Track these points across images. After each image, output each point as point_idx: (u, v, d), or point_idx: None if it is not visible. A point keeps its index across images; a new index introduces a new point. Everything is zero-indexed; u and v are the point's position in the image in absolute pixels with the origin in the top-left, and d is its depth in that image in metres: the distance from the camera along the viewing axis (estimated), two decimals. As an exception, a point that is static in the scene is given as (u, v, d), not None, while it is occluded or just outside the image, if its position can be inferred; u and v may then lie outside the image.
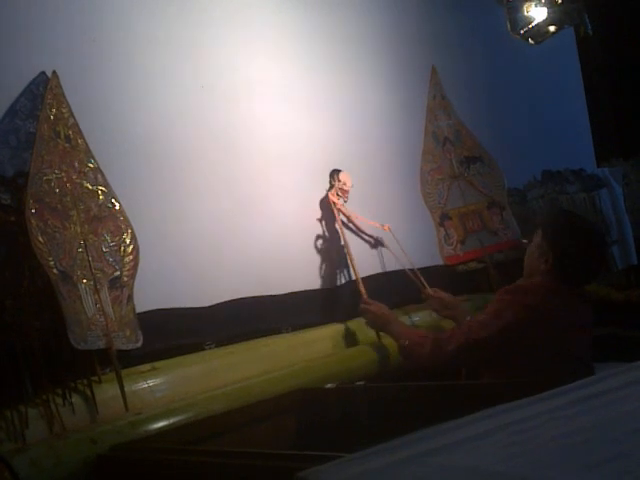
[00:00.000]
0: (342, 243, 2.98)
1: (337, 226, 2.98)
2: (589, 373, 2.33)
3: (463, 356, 2.36)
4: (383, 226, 3.08)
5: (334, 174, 3.04)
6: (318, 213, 3.03)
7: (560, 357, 2.30)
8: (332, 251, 3.01)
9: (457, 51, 3.88)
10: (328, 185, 3.05)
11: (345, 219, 3.05)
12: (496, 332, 2.31)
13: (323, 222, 3.04)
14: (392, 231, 3.08)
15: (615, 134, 4.94)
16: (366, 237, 3.15)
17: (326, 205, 3.02)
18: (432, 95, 3.60)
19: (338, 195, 3.01)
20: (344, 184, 3.02)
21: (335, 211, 2.98)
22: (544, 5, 3.97)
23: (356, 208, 3.11)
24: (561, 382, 1.52)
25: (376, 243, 3.16)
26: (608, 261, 2.63)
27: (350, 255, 2.94)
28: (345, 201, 3.03)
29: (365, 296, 2.82)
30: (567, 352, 2.34)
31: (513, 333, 2.30)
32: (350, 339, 2.85)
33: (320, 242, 3.01)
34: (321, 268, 2.98)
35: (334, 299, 2.97)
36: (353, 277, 2.94)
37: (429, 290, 2.95)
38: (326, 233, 3.03)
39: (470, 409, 1.33)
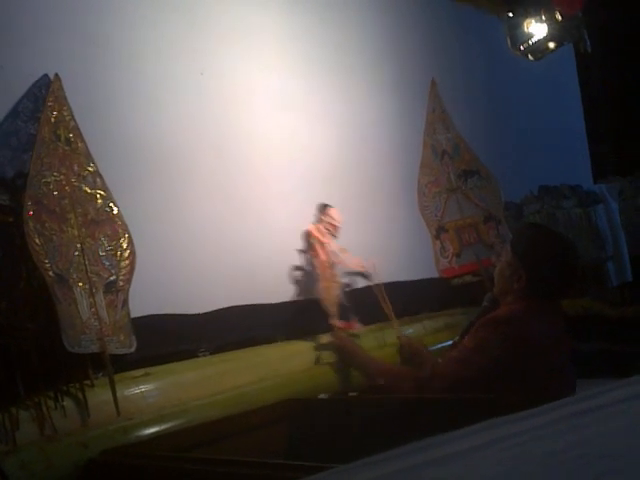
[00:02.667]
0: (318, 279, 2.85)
1: (315, 262, 2.86)
2: (571, 385, 2.34)
3: (447, 393, 2.25)
4: (363, 267, 2.91)
5: (323, 209, 2.93)
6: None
7: (545, 374, 2.29)
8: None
9: (457, 65, 3.91)
10: (316, 218, 2.93)
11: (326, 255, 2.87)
12: (481, 369, 2.23)
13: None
14: (375, 267, 2.91)
15: (612, 151, 4.97)
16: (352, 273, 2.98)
17: (308, 239, 2.91)
18: (431, 108, 3.61)
19: (327, 230, 2.90)
20: (332, 219, 2.92)
21: (317, 247, 2.85)
22: (544, 22, 4.01)
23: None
24: (550, 397, 1.52)
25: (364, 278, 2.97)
26: (582, 273, 2.54)
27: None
28: (335, 237, 2.92)
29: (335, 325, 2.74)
30: (551, 369, 2.32)
31: (499, 366, 2.22)
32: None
33: (299, 274, 2.92)
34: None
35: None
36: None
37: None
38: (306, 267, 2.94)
39: (463, 423, 1.33)
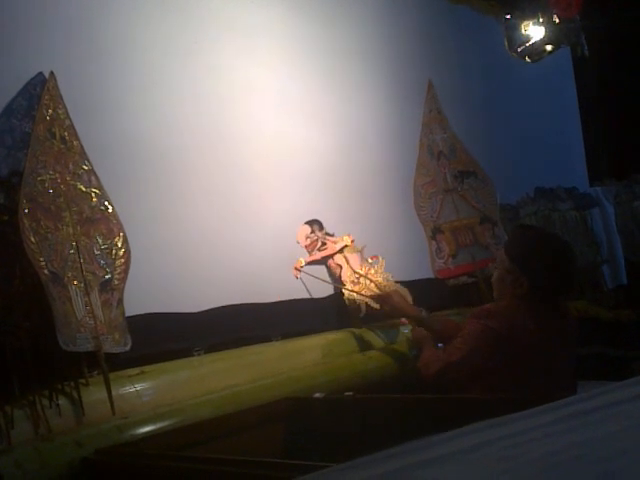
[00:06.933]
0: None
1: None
2: (570, 388, 2.34)
3: (442, 378, 2.40)
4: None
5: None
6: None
7: (536, 374, 2.29)
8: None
9: (454, 67, 3.91)
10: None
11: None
12: (465, 356, 2.34)
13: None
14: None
15: (608, 154, 4.98)
16: None
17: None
18: (428, 109, 3.61)
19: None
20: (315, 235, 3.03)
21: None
22: (542, 24, 4.01)
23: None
24: (545, 398, 1.52)
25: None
26: (576, 270, 2.58)
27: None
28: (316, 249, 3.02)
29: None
30: (543, 369, 2.33)
31: (479, 357, 2.32)
32: (339, 349, 2.84)
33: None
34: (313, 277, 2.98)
35: (325, 308, 2.97)
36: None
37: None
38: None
39: (459, 422, 1.33)
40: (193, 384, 2.33)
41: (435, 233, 3.45)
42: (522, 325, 2.32)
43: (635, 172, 4.58)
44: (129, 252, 2.36)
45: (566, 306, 2.52)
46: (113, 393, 2.11)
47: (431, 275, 3.40)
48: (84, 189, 2.32)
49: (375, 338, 2.96)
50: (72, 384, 2.10)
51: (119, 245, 2.35)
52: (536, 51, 4.10)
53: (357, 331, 2.93)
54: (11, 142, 2.23)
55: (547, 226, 4.01)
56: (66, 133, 2.31)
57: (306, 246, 3.02)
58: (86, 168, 2.33)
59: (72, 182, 2.29)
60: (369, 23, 3.55)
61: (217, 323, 2.65)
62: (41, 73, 2.30)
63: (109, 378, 2.12)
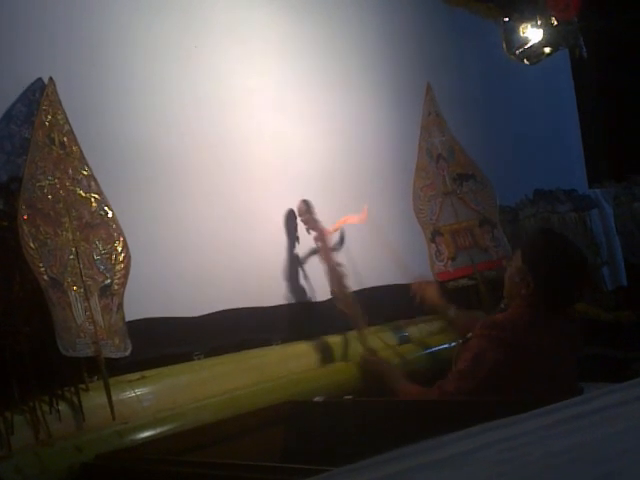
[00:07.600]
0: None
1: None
2: (576, 392, 2.34)
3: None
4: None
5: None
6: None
7: (546, 380, 2.29)
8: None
9: (453, 69, 3.92)
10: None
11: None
12: (481, 379, 2.27)
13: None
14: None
15: (607, 156, 4.98)
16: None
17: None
18: (427, 112, 3.62)
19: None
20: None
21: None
22: (540, 26, 4.02)
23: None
24: (548, 402, 1.52)
25: None
26: (590, 280, 2.58)
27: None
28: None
29: (368, 350, 2.76)
30: (553, 374, 2.32)
31: (497, 375, 2.26)
32: (339, 353, 2.84)
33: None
34: (313, 281, 2.97)
35: (325, 312, 2.97)
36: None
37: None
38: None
39: (459, 426, 1.33)
40: (193, 388, 2.33)
41: (434, 236, 3.46)
42: (537, 335, 2.31)
43: (634, 174, 4.59)
44: (129, 257, 2.36)
45: (574, 310, 2.52)
46: (113, 398, 2.11)
47: (430, 278, 3.40)
48: (83, 194, 2.32)
49: (375, 341, 2.96)
50: (72, 389, 2.09)
51: (119, 250, 2.35)
52: (534, 53, 4.12)
53: (356, 334, 2.93)
54: (10, 148, 2.23)
55: (546, 228, 4.01)
56: (65, 139, 2.31)
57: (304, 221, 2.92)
58: (85, 173, 2.33)
59: (71, 187, 2.29)
60: (367, 27, 3.55)
61: (217, 327, 2.65)
62: (40, 79, 2.30)
63: (109, 383, 2.12)
